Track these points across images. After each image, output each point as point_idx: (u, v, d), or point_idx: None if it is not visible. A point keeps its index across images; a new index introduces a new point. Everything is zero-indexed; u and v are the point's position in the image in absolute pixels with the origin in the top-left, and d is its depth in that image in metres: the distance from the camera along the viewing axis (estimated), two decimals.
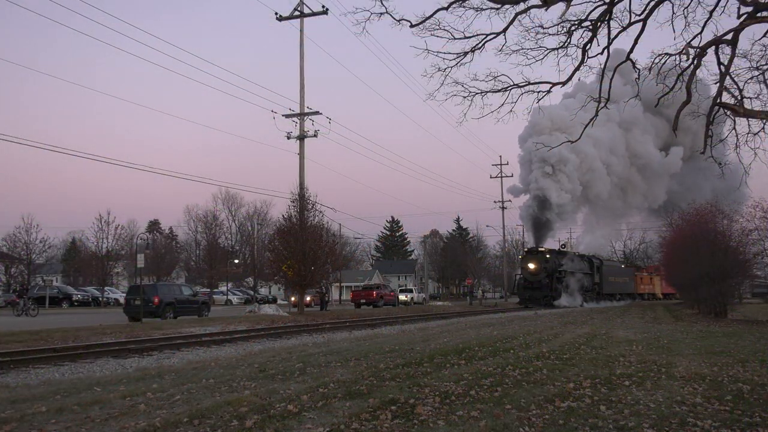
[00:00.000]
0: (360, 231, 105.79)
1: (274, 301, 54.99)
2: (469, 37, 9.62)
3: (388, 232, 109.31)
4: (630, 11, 9.31)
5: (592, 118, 10.93)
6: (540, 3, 9.06)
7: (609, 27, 9.42)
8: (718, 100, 9.48)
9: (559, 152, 38.90)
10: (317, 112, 30.23)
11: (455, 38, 9.57)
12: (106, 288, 49.31)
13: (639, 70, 10.57)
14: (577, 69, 10.07)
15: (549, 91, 10.75)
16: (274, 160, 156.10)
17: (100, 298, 46.94)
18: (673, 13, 9.34)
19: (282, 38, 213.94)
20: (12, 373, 10.24)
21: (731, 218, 26.06)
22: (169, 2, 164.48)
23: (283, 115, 30.43)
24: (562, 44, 9.79)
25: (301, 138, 30.17)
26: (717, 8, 8.99)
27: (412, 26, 9.57)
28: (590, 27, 9.50)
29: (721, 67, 9.41)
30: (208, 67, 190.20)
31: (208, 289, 53.83)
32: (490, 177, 59.71)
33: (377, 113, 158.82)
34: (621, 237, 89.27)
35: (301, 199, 29.79)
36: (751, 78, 10.02)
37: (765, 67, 9.73)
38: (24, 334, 15.94)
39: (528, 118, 41.57)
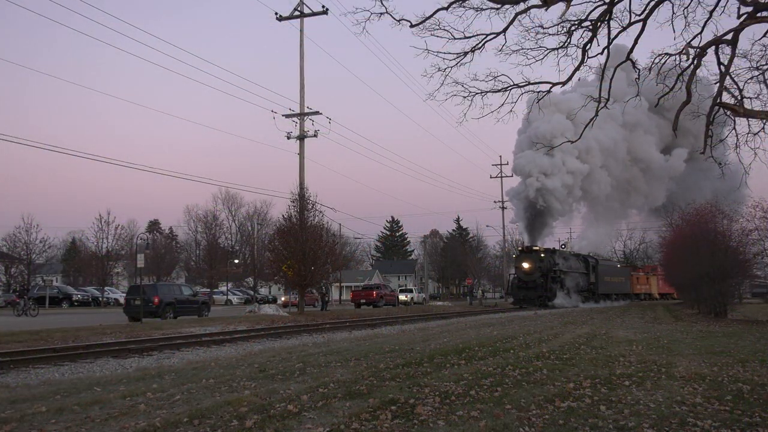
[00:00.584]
0: (360, 231, 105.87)
1: (274, 301, 54.98)
2: (469, 37, 9.63)
3: (388, 232, 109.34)
4: (630, 11, 9.33)
5: (592, 118, 10.94)
6: (540, 3, 9.07)
7: (609, 27, 9.43)
8: (718, 100, 9.48)
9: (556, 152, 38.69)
10: (317, 112, 30.24)
11: (455, 38, 9.58)
12: (106, 288, 49.32)
13: (639, 70, 10.58)
14: (577, 69, 10.09)
15: (549, 91, 10.78)
16: (274, 160, 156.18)
17: (100, 298, 46.95)
18: (673, 13, 9.36)
19: (282, 38, 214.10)
20: (12, 373, 10.23)
21: (731, 218, 26.09)
22: (168, 2, 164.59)
23: (283, 115, 30.46)
24: (562, 44, 9.81)
25: (301, 138, 30.17)
26: (717, 8, 9.01)
27: (412, 26, 9.57)
28: (590, 27, 9.51)
29: (721, 67, 9.42)
30: (208, 67, 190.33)
31: (208, 289, 53.85)
32: (490, 177, 59.68)
33: (377, 113, 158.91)
34: (621, 237, 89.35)
35: (301, 199, 29.79)
36: (751, 78, 10.04)
37: (765, 67, 9.74)
38: (24, 334, 15.94)
39: (526, 116, 41.34)
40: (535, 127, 40.39)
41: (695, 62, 9.47)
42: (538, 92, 10.76)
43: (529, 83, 10.59)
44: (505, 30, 9.62)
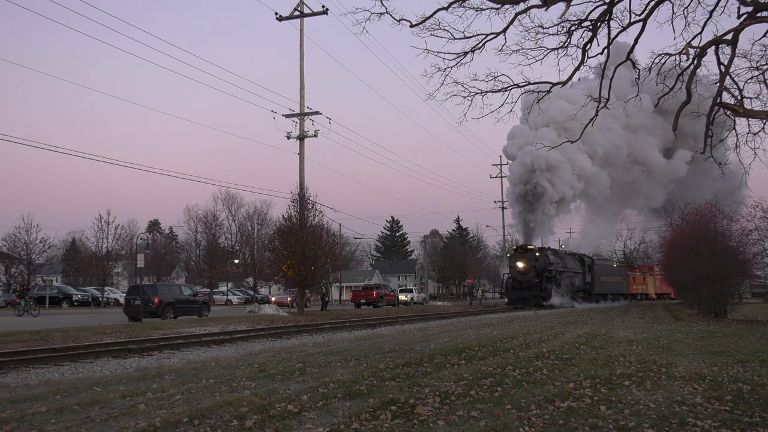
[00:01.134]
0: (360, 231, 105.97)
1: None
2: (469, 37, 9.63)
3: (388, 232, 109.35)
4: (630, 11, 9.33)
5: (592, 119, 10.93)
6: (540, 3, 9.06)
7: (609, 27, 9.43)
8: (718, 100, 9.48)
9: (551, 154, 38.16)
10: (317, 112, 30.25)
11: (455, 38, 9.58)
12: (106, 288, 49.30)
13: (639, 70, 10.58)
14: (577, 69, 10.09)
15: (549, 91, 10.77)
16: (274, 160, 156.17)
17: (100, 298, 46.94)
18: (673, 13, 9.36)
19: (282, 38, 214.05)
20: (12, 373, 10.23)
21: (731, 218, 26.10)
22: (169, 2, 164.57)
23: (283, 115, 30.48)
24: (562, 44, 9.81)
25: (301, 138, 30.17)
26: (717, 8, 9.01)
27: (412, 26, 9.57)
28: (590, 27, 9.51)
29: (721, 67, 9.42)
30: (209, 67, 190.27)
31: (208, 289, 53.83)
32: (490, 177, 59.73)
33: (377, 113, 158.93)
34: (621, 237, 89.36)
35: (301, 199, 29.80)
36: (751, 78, 10.05)
37: (765, 67, 9.74)
38: (24, 334, 15.94)
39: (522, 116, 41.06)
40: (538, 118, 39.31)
41: (695, 62, 9.48)
42: (538, 92, 10.76)
43: (529, 83, 10.59)
44: (505, 30, 9.62)
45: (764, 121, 9.86)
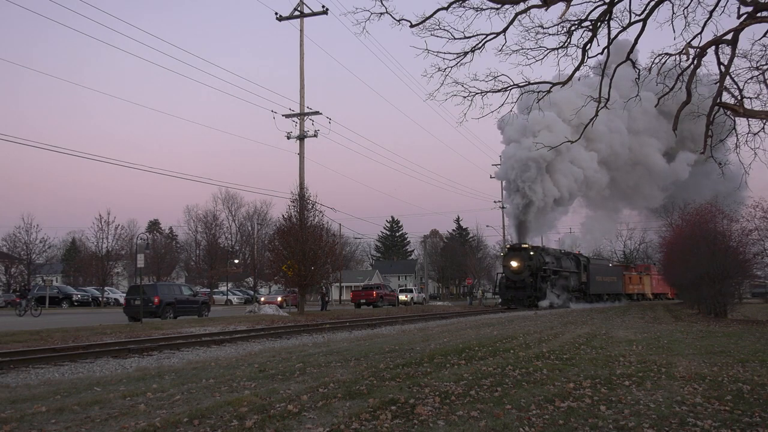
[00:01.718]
0: (360, 231, 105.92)
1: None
2: (469, 37, 9.63)
3: (388, 232, 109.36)
4: (630, 11, 9.33)
5: (592, 119, 10.94)
6: (540, 3, 9.06)
7: (609, 27, 9.43)
8: (718, 100, 9.48)
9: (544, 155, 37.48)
10: (317, 112, 30.24)
11: (455, 38, 9.57)
12: (106, 288, 49.31)
13: (639, 70, 10.57)
14: (577, 69, 10.09)
15: (549, 91, 10.77)
16: (274, 160, 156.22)
17: (100, 298, 46.95)
18: (673, 13, 9.35)
19: (282, 38, 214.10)
20: (12, 373, 10.23)
21: (731, 218, 26.11)
22: (169, 2, 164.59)
23: (283, 115, 30.47)
24: (562, 44, 9.80)
25: (301, 138, 30.17)
26: (717, 8, 9.01)
27: (412, 26, 9.57)
28: (590, 27, 9.50)
29: (721, 67, 9.42)
30: (208, 67, 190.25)
31: (208, 289, 53.83)
32: (490, 177, 59.57)
33: (377, 113, 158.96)
34: (621, 237, 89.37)
35: (301, 199, 29.80)
36: (751, 78, 10.04)
37: (765, 67, 9.74)
38: (24, 334, 15.94)
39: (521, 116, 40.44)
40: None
41: (695, 62, 9.47)
42: (538, 92, 10.76)
43: (529, 83, 10.59)
44: (505, 30, 9.62)
45: (764, 121, 9.86)
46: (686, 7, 9.27)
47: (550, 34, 9.72)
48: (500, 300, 41.39)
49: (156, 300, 25.44)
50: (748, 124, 10.46)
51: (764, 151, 15.68)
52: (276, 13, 30.01)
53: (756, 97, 10.54)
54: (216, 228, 65.73)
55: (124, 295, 35.40)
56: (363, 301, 44.19)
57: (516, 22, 9.44)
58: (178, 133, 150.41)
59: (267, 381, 7.99)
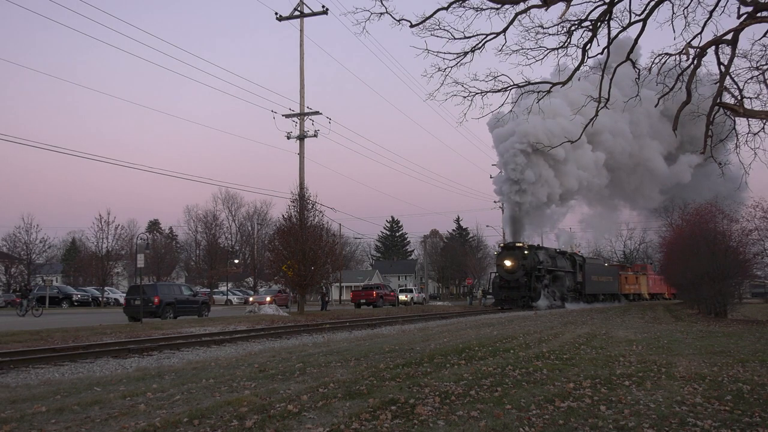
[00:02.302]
0: (360, 231, 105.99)
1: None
2: (469, 37, 9.62)
3: (388, 232, 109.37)
4: (630, 11, 9.32)
5: (592, 119, 10.94)
6: (540, 3, 9.06)
7: (609, 27, 9.43)
8: (718, 100, 9.48)
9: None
10: (317, 112, 30.26)
11: (455, 38, 9.57)
12: (106, 288, 49.33)
13: (639, 70, 10.57)
14: (577, 69, 10.08)
15: (549, 91, 10.77)
16: (274, 160, 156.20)
17: (100, 298, 46.96)
18: (673, 13, 9.35)
19: (282, 38, 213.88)
20: (12, 373, 10.24)
21: (731, 218, 26.14)
22: (169, 2, 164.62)
23: (283, 115, 30.49)
24: (562, 44, 9.79)
25: (301, 138, 30.18)
26: (717, 8, 9.00)
27: (412, 26, 9.57)
28: (590, 27, 9.50)
29: (721, 67, 9.42)
30: (208, 66, 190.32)
31: (208, 289, 53.84)
32: (490, 177, 59.57)
33: (377, 113, 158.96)
34: (621, 237, 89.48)
35: (301, 199, 29.82)
36: (751, 78, 10.04)
37: (765, 67, 9.74)
38: (24, 334, 15.95)
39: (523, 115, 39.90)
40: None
41: (695, 62, 9.47)
42: (538, 92, 10.76)
43: (529, 83, 10.59)
44: (505, 30, 9.61)
45: (764, 121, 9.86)
46: (686, 7, 9.27)
47: (550, 34, 9.71)
48: (493, 300, 40.30)
49: (156, 300, 25.44)
50: (748, 124, 10.47)
51: (764, 151, 15.68)
52: (276, 13, 30.05)
53: (756, 97, 10.55)
54: (216, 228, 65.76)
55: (124, 295, 35.39)
56: (363, 301, 44.18)
57: (516, 22, 9.44)
58: (178, 132, 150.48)
59: (267, 381, 7.99)
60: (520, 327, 18.40)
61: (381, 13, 9.21)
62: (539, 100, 10.75)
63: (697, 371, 8.51)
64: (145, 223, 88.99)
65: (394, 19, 9.35)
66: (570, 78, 10.36)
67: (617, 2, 9.11)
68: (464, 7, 9.26)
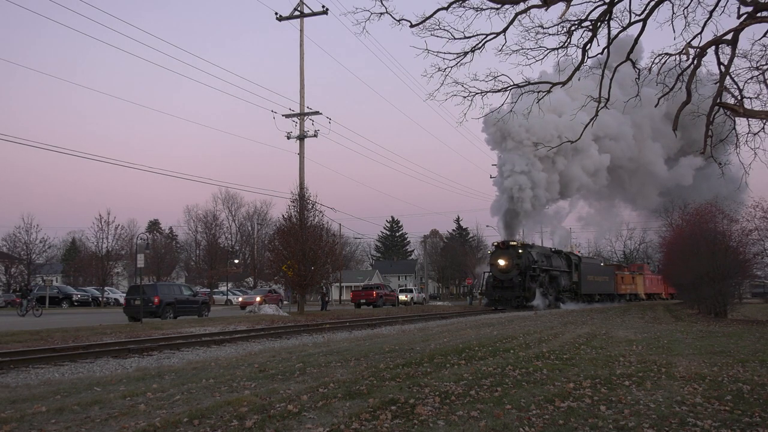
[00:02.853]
0: (360, 231, 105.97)
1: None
2: (469, 37, 9.62)
3: (388, 232, 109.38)
4: (630, 11, 9.32)
5: (592, 119, 10.94)
6: (540, 3, 9.06)
7: (609, 27, 9.43)
8: (718, 100, 9.48)
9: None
10: (317, 112, 30.27)
11: (455, 38, 9.57)
12: (106, 288, 49.33)
13: (639, 70, 10.58)
14: (577, 69, 10.08)
15: (549, 91, 10.77)
16: (274, 160, 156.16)
17: (100, 298, 46.97)
18: (673, 13, 9.35)
19: (282, 38, 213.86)
20: (12, 373, 10.24)
21: (731, 218, 26.14)
22: (169, 2, 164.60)
23: (283, 115, 30.50)
24: (562, 44, 9.79)
25: (301, 138, 30.18)
26: (717, 8, 9.01)
27: (412, 26, 9.57)
28: (590, 27, 9.50)
29: (721, 67, 9.42)
30: (209, 66, 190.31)
31: (208, 289, 53.85)
32: (490, 177, 59.53)
33: (377, 113, 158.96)
34: (621, 237, 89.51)
35: (301, 199, 29.83)
36: (751, 78, 10.04)
37: (765, 67, 9.74)
38: (24, 334, 15.95)
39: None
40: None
41: (695, 62, 9.47)
42: (538, 92, 10.76)
43: (529, 83, 10.59)
44: (505, 30, 9.61)
45: (764, 121, 9.86)
46: (686, 7, 9.27)
47: (550, 34, 9.71)
48: (487, 300, 39.28)
49: (156, 300, 25.45)
50: (748, 124, 10.47)
51: (764, 151, 15.66)
52: (276, 13, 30.06)
53: (756, 97, 10.55)
54: (216, 228, 65.81)
55: (124, 295, 35.40)
56: (363, 301, 44.19)
57: (516, 22, 9.44)
58: (178, 133, 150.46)
59: (267, 381, 7.99)
60: (520, 327, 18.39)
61: (381, 13, 9.22)
62: (539, 100, 10.75)
63: (697, 371, 8.50)
64: (145, 223, 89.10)
65: (394, 19, 9.36)
66: (570, 78, 10.37)
67: (617, 2, 9.11)
68: (464, 7, 9.26)
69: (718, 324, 20.31)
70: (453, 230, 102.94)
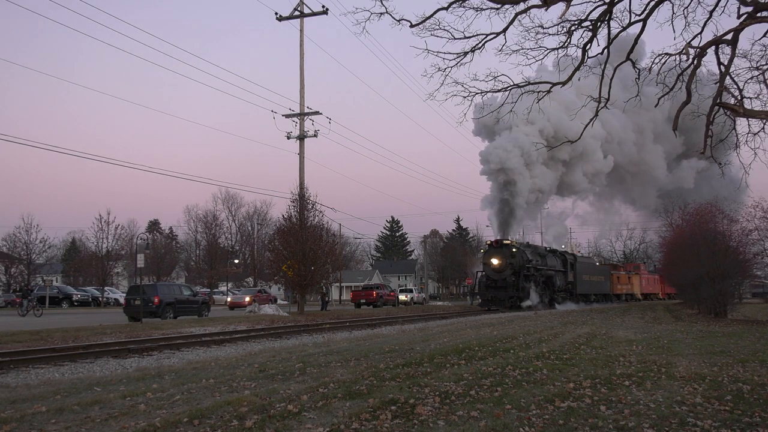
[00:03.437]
0: (360, 231, 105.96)
1: (274, 301, 55.03)
2: (469, 37, 9.62)
3: (388, 232, 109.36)
4: (630, 11, 9.32)
5: (592, 119, 10.94)
6: (540, 3, 9.06)
7: (609, 27, 9.43)
8: (718, 100, 9.48)
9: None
10: (317, 112, 30.26)
11: (455, 38, 9.58)
12: (106, 288, 49.33)
13: (639, 70, 10.58)
14: (577, 69, 10.08)
15: (549, 91, 10.77)
16: (274, 160, 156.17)
17: (100, 298, 46.96)
18: (673, 13, 9.35)
19: (282, 38, 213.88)
20: (12, 373, 10.24)
21: (731, 218, 26.14)
22: (169, 2, 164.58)
23: (283, 115, 30.49)
24: (562, 44, 9.79)
25: (301, 138, 30.18)
26: (717, 8, 9.01)
27: (412, 26, 9.57)
28: (590, 27, 9.50)
29: (721, 67, 9.42)
30: (209, 66, 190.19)
31: (208, 289, 53.86)
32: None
33: (377, 113, 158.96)
34: (621, 237, 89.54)
35: (301, 199, 29.82)
36: (751, 78, 10.04)
37: (765, 67, 9.74)
38: (24, 334, 15.95)
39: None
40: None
41: (695, 62, 9.47)
42: (538, 92, 10.76)
43: (529, 83, 10.59)
44: (505, 30, 9.62)
45: (764, 121, 9.86)
46: (686, 7, 9.28)
47: (550, 34, 9.71)
48: (480, 300, 38.34)
49: (156, 300, 25.44)
50: (748, 124, 10.48)
51: (764, 151, 15.72)
52: (276, 13, 30.05)
53: (756, 97, 10.56)
54: (216, 228, 65.86)
55: (124, 295, 35.39)
56: (363, 301, 44.18)
57: (516, 22, 9.45)
58: (178, 133, 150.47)
59: (267, 381, 7.99)
60: (520, 327, 18.39)
61: (381, 13, 9.22)
62: (539, 100, 10.75)
63: (697, 371, 8.50)
64: (145, 223, 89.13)
65: (394, 19, 9.36)
66: (570, 78, 10.37)
67: (617, 2, 9.12)
68: (464, 7, 9.26)
69: (718, 324, 20.31)
70: (453, 230, 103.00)
